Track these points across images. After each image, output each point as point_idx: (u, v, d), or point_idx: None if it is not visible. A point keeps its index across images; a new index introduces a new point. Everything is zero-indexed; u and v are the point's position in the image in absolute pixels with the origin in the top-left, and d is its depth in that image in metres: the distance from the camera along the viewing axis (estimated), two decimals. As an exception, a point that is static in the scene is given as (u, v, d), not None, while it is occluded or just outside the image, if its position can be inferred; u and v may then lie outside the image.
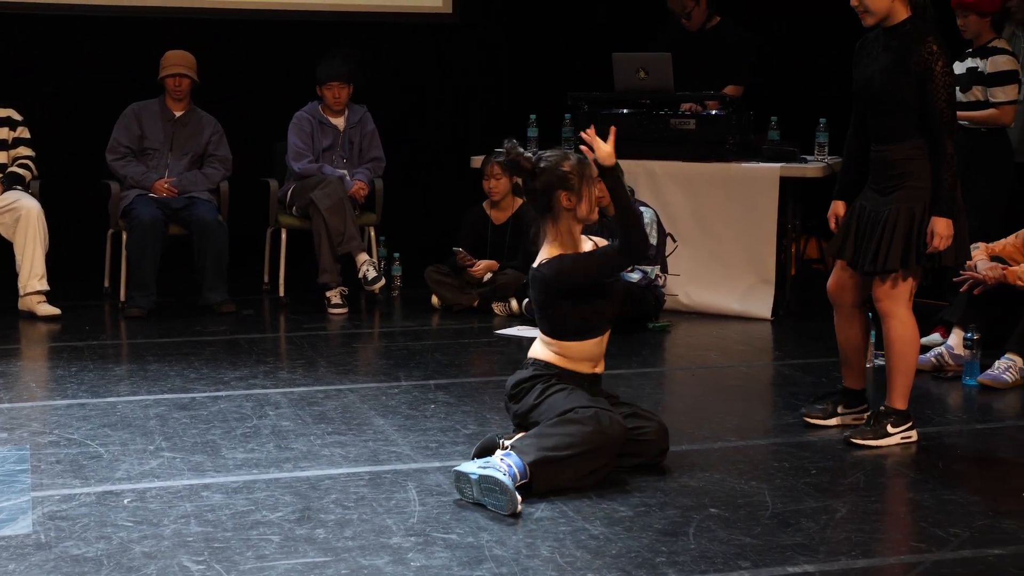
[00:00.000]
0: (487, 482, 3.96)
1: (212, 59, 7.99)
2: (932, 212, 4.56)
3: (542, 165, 4.42)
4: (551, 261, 4.39)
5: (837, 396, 4.98)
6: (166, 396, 5.38)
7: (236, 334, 6.71)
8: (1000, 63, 6.16)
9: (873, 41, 4.71)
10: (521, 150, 4.43)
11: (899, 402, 4.73)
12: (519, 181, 7.38)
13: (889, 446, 4.68)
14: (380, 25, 8.87)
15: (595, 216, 4.44)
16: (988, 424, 5.13)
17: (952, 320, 5.85)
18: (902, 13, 4.58)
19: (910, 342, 4.70)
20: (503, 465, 4.01)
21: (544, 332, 4.47)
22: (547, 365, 4.43)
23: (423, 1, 8.92)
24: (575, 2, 9.03)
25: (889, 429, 4.69)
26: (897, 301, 4.66)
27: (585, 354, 4.42)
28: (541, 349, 4.47)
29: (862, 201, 4.77)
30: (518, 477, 4.01)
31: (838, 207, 4.92)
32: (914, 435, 4.75)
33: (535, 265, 4.45)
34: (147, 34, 8.20)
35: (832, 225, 4.92)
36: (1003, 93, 6.01)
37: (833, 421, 4.92)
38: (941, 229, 4.54)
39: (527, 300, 7.02)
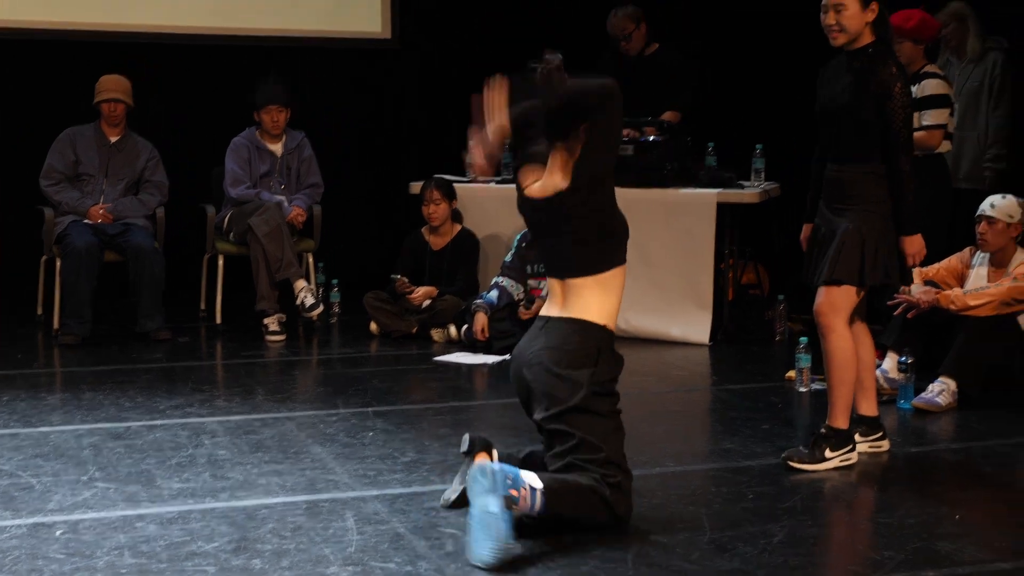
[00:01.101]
0: (488, 519, 3.78)
1: (148, 84, 7.93)
2: (900, 232, 4.66)
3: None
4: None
5: (826, 439, 4.79)
6: (100, 425, 5.31)
7: (172, 362, 6.65)
8: (929, 87, 6.24)
9: (836, 65, 4.80)
10: (563, 66, 4.10)
11: (840, 420, 4.76)
12: (458, 207, 7.46)
13: (827, 470, 4.71)
14: (318, 50, 8.84)
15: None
16: (922, 447, 5.18)
17: (887, 344, 5.91)
18: (867, 37, 4.68)
19: (851, 355, 4.76)
20: (523, 503, 3.85)
21: (581, 269, 4.09)
22: (602, 330, 4.08)
23: (362, 26, 8.91)
24: (516, 27, 9.05)
25: (827, 453, 4.72)
26: (839, 315, 4.71)
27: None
28: (598, 305, 4.07)
29: (818, 221, 4.86)
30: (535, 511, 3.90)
31: (807, 230, 5.00)
32: (854, 457, 4.78)
33: (538, 185, 4.11)
34: (82, 58, 8.12)
35: (805, 248, 4.99)
36: (930, 116, 6.10)
37: (823, 465, 4.74)
38: (910, 247, 4.66)
39: (466, 327, 7.02)
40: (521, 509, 3.88)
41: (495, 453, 4.24)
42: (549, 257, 4.23)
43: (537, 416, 4.09)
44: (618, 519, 4.04)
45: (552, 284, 4.21)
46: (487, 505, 3.80)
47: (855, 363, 4.80)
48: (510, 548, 3.78)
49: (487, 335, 6.87)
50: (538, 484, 3.90)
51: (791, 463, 4.71)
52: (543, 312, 4.22)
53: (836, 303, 4.71)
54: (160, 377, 6.26)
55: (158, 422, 5.38)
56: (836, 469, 4.72)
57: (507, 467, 3.92)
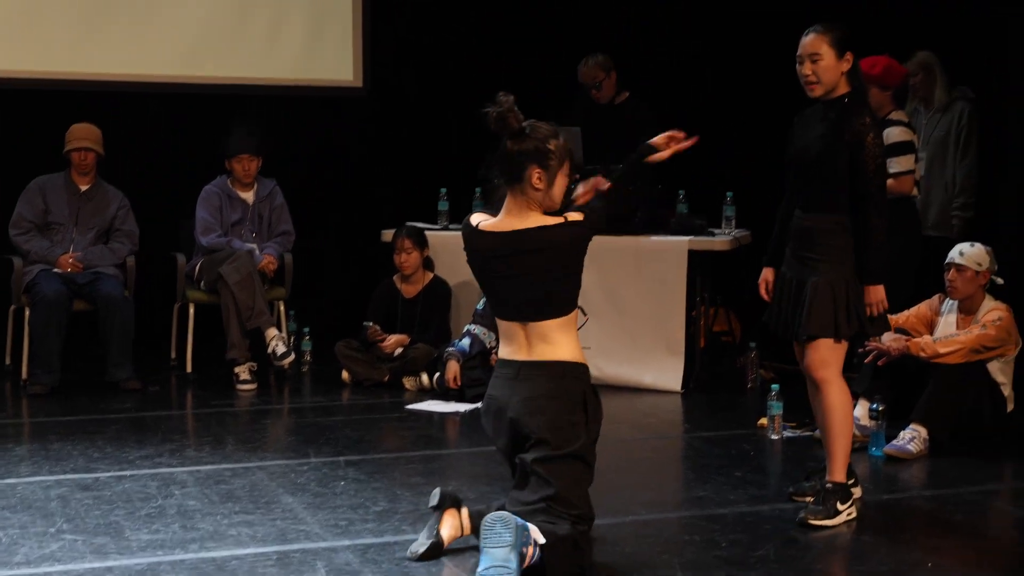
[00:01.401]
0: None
1: (119, 132, 7.92)
2: (862, 281, 4.68)
3: (527, 132, 4.15)
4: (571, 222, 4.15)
5: (834, 493, 4.73)
6: (68, 476, 5.26)
7: (142, 411, 6.60)
8: (893, 135, 6.28)
9: (811, 114, 4.84)
10: (515, 107, 4.14)
11: (840, 474, 4.75)
12: (430, 255, 7.46)
13: (838, 524, 4.67)
14: (290, 98, 8.86)
15: (555, 206, 4.18)
16: (894, 495, 5.18)
17: (858, 391, 5.92)
18: (843, 88, 4.72)
19: (848, 408, 4.78)
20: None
21: (555, 311, 4.13)
22: (583, 369, 4.18)
23: (333, 74, 8.93)
24: (484, 77, 9.09)
25: (839, 507, 4.69)
26: (832, 368, 4.72)
27: None
28: (567, 344, 4.15)
29: (784, 269, 4.88)
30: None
31: (768, 274, 5.02)
32: (855, 511, 4.76)
33: (511, 230, 4.15)
34: (52, 107, 8.10)
35: (763, 291, 5.01)
36: (897, 164, 6.14)
37: (838, 520, 4.69)
38: (871, 297, 4.68)
39: (438, 375, 7.00)
40: (525, 564, 3.88)
41: (464, 511, 4.25)
42: (520, 300, 4.21)
43: (530, 456, 4.09)
44: (584, 570, 4.04)
45: (512, 328, 4.21)
46: (508, 560, 3.80)
47: (852, 415, 4.82)
48: None
49: (459, 383, 6.85)
50: (540, 539, 3.91)
51: (811, 521, 4.63)
52: (507, 357, 4.22)
53: (825, 357, 4.72)
54: (129, 427, 6.22)
55: (127, 472, 5.33)
56: (844, 523, 4.68)
57: (522, 521, 3.90)
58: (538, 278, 4.15)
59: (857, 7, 7.68)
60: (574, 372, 4.16)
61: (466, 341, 6.99)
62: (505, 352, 4.24)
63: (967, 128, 7.15)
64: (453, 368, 6.86)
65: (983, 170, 7.27)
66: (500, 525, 3.86)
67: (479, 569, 3.85)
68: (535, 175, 4.14)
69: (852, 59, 4.71)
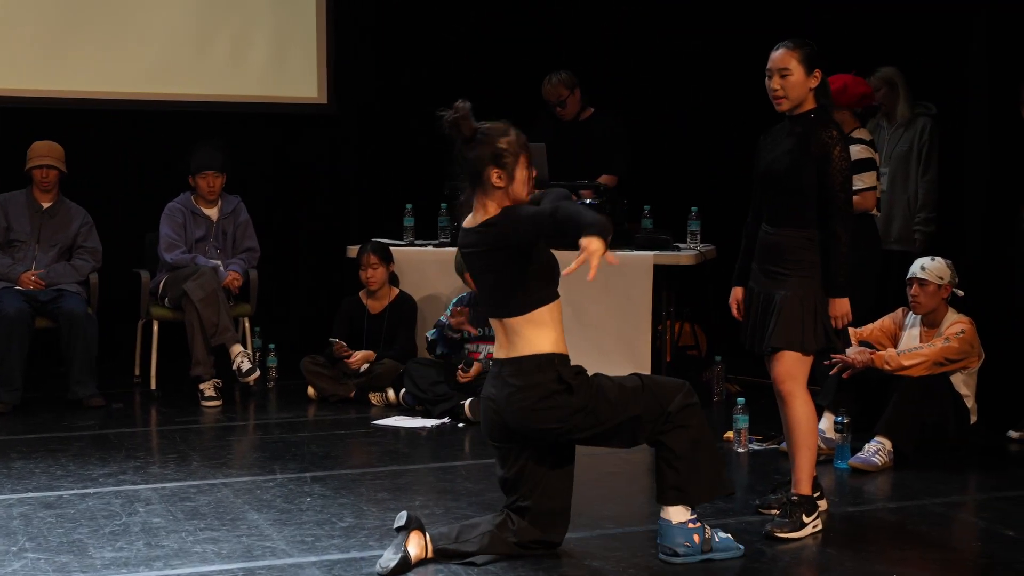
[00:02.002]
0: None
1: (81, 149, 7.88)
2: (827, 294, 4.70)
3: (479, 137, 4.31)
4: (505, 212, 4.25)
5: (799, 505, 4.75)
6: (31, 495, 5.22)
7: (105, 429, 6.55)
8: (854, 152, 6.30)
9: (779, 130, 4.87)
10: (469, 114, 4.32)
11: (805, 486, 4.76)
12: (395, 270, 7.45)
13: (804, 536, 4.67)
14: (254, 115, 8.83)
15: (527, 197, 4.33)
16: (859, 507, 5.20)
17: (823, 404, 5.94)
18: (810, 104, 4.76)
19: (813, 421, 4.79)
20: None
21: (519, 306, 4.26)
22: (556, 358, 4.31)
23: (298, 91, 8.91)
24: (449, 92, 9.09)
25: (804, 519, 4.70)
26: (797, 381, 4.75)
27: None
28: (538, 338, 4.29)
29: (752, 283, 4.90)
30: None
31: (738, 292, 5.03)
32: (820, 523, 4.77)
33: (472, 226, 4.30)
34: (14, 124, 8.05)
35: (734, 310, 5.02)
36: (860, 181, 6.16)
37: (804, 532, 4.70)
38: (836, 310, 4.70)
39: (404, 390, 6.99)
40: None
41: (428, 536, 4.30)
42: (490, 295, 4.38)
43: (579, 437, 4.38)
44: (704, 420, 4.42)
45: (495, 325, 4.38)
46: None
47: (817, 427, 4.83)
48: None
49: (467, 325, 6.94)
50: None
51: (777, 534, 4.64)
52: (495, 355, 4.40)
53: (791, 370, 4.74)
54: (93, 444, 6.17)
55: (91, 490, 5.29)
56: (811, 535, 4.69)
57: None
58: (500, 273, 4.29)
59: (823, 22, 7.75)
60: (539, 363, 4.26)
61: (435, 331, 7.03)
62: (495, 351, 4.40)
63: (929, 143, 7.21)
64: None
65: (945, 185, 7.32)
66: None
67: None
68: (494, 175, 4.29)
69: (820, 76, 4.74)
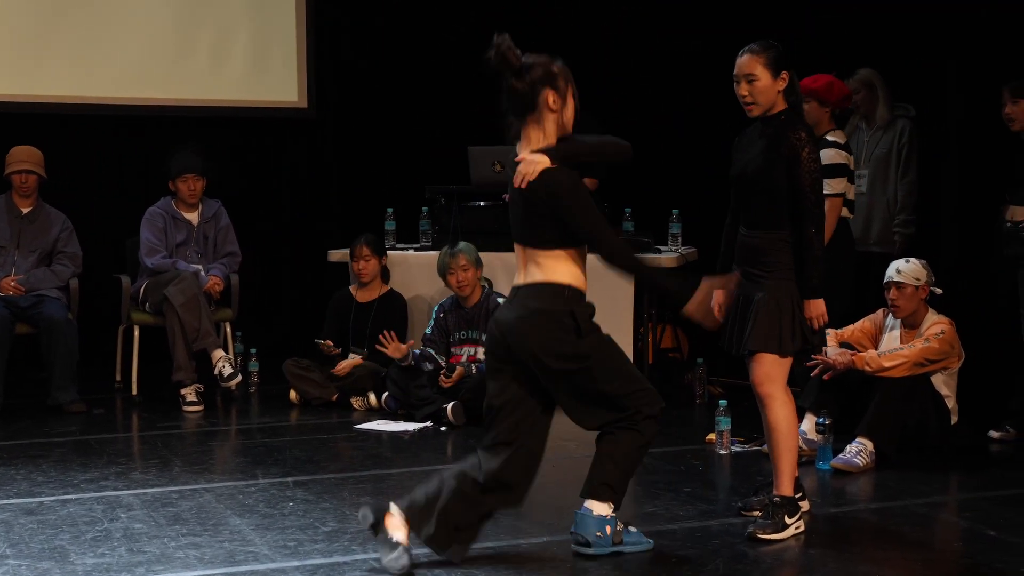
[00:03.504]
0: None
1: (61, 154, 7.86)
2: (802, 295, 4.71)
3: (530, 62, 4.34)
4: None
5: (781, 506, 4.74)
6: (12, 501, 5.20)
7: (87, 435, 6.53)
8: (826, 157, 6.31)
9: (751, 132, 4.89)
10: (512, 44, 4.35)
11: (787, 487, 4.77)
12: (387, 263, 7.44)
13: (787, 538, 4.68)
14: (235, 119, 8.82)
15: (569, 126, 4.37)
16: (841, 508, 5.21)
17: (804, 405, 5.96)
18: (780, 105, 4.77)
19: (793, 422, 4.80)
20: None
21: (550, 241, 4.31)
22: (569, 290, 4.37)
23: (278, 95, 8.90)
24: (431, 96, 9.11)
25: (787, 520, 4.70)
26: (776, 383, 4.75)
27: None
28: (559, 269, 4.34)
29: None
30: None
31: (719, 295, 5.02)
32: (803, 524, 4.78)
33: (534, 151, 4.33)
34: (-7, 129, 8.03)
35: (716, 312, 5.01)
36: (828, 186, 6.16)
37: (787, 533, 4.71)
38: (811, 311, 4.70)
39: (386, 394, 6.98)
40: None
41: (393, 508, 4.28)
42: (521, 221, 4.39)
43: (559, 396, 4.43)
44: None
45: (517, 251, 4.42)
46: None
47: (797, 428, 4.84)
48: None
49: (403, 352, 6.89)
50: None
51: (759, 535, 4.64)
52: (514, 283, 4.45)
53: (770, 372, 4.75)
54: (74, 450, 6.15)
55: (72, 496, 5.27)
56: (793, 536, 4.70)
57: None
58: (531, 205, 4.30)
59: (799, 24, 7.78)
60: (555, 291, 4.32)
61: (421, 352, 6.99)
62: (516, 278, 4.45)
63: (908, 145, 7.23)
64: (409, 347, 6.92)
65: (923, 187, 7.35)
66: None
67: None
68: (550, 98, 4.33)
69: (788, 77, 4.75)
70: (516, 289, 4.41)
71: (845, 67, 6.97)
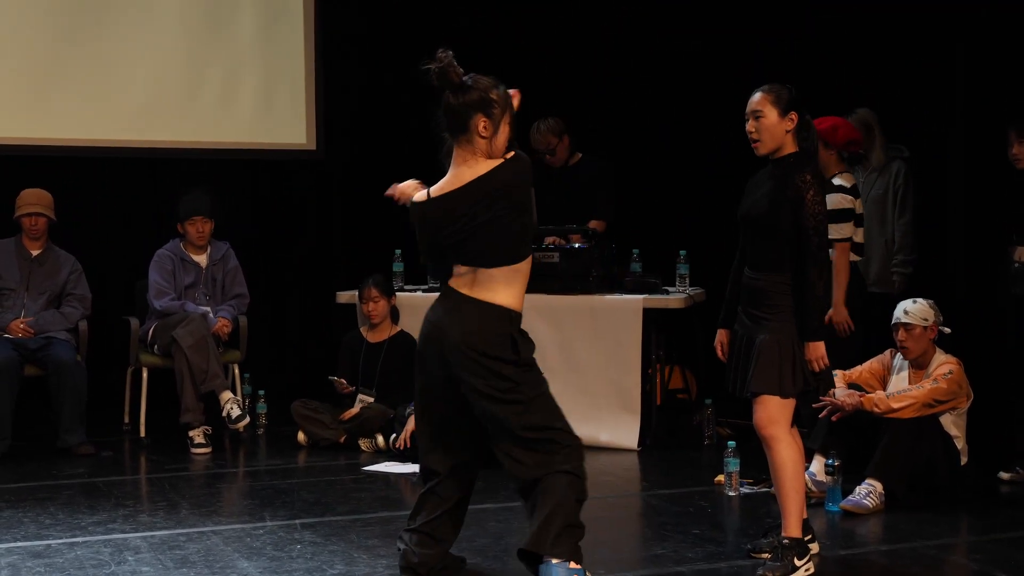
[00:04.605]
0: None
1: (70, 196, 7.89)
2: (801, 338, 4.70)
3: (469, 83, 4.35)
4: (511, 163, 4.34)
5: (790, 548, 4.73)
6: (19, 544, 5.19)
7: (95, 477, 6.53)
8: (831, 202, 6.32)
9: (761, 174, 4.91)
10: (454, 61, 4.37)
11: (795, 529, 4.75)
12: (396, 304, 7.45)
13: None
14: (243, 161, 8.86)
15: (499, 154, 4.35)
16: (852, 550, 5.19)
17: (813, 447, 5.94)
18: (790, 147, 4.79)
19: (799, 463, 4.78)
20: None
21: (510, 255, 4.34)
22: (513, 315, 4.39)
23: (287, 137, 8.94)
24: (439, 138, 9.12)
25: (796, 562, 4.68)
26: (780, 425, 4.74)
27: None
28: (505, 289, 4.37)
29: (737, 327, 4.92)
30: None
31: (723, 335, 5.05)
32: (812, 566, 4.76)
33: (461, 185, 4.36)
34: (2, 172, 8.06)
35: (720, 353, 5.03)
36: (834, 231, 6.17)
37: (797, 575, 4.73)
38: (811, 353, 4.69)
39: (394, 436, 6.97)
40: None
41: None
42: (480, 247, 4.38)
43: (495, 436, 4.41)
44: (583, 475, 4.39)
45: (460, 270, 4.42)
46: None
47: (803, 469, 4.83)
48: None
49: (409, 445, 6.79)
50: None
51: None
52: (452, 286, 4.44)
53: (773, 415, 4.74)
54: (82, 492, 6.15)
55: (80, 539, 5.27)
56: None
57: None
58: (498, 222, 4.30)
59: (802, 63, 7.79)
60: (500, 315, 4.33)
61: None
62: (459, 285, 4.42)
63: (904, 186, 7.24)
64: (410, 427, 6.83)
65: (920, 227, 7.34)
66: None
67: None
68: (481, 124, 4.33)
69: (797, 119, 4.77)
70: (462, 298, 4.40)
71: (845, 68, 6.94)
